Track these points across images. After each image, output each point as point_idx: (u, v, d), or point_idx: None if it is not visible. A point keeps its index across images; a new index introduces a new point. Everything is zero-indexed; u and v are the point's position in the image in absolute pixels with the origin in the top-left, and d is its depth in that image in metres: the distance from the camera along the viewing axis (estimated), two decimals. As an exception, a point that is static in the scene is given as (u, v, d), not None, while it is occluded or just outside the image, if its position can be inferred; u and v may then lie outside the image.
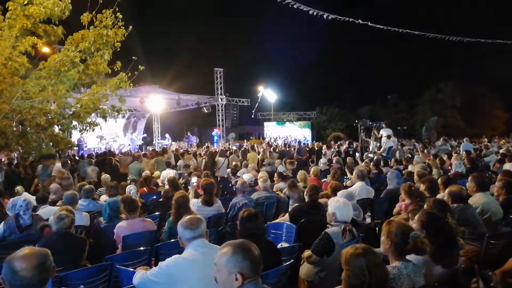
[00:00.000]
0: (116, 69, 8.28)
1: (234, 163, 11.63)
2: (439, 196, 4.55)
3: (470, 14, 39.19)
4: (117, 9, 7.79)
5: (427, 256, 2.56)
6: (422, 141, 17.46)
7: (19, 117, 8.04)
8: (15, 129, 8.30)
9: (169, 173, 9.01)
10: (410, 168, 8.46)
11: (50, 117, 8.37)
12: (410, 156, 11.88)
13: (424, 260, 2.59)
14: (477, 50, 27.54)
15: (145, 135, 26.02)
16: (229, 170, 10.54)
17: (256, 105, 30.13)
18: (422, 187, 4.90)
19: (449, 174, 7.89)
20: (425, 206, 3.52)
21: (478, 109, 35.71)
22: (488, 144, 16.42)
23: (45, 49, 8.62)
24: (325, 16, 12.31)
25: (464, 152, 11.23)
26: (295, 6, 11.69)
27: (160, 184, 8.37)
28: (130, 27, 8.06)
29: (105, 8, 7.77)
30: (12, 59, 7.12)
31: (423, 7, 42.84)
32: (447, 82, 36.00)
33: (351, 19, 13.01)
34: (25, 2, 7.25)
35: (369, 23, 13.37)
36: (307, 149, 16.29)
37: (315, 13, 12.10)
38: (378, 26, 13.56)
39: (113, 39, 7.87)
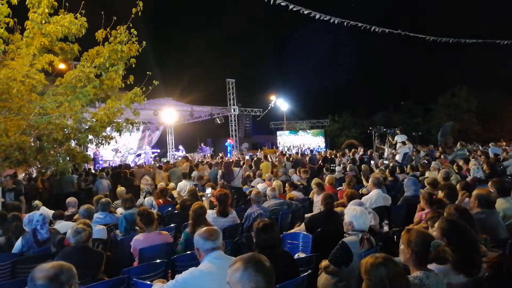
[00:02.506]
0: (129, 83, 8.39)
1: (246, 173, 11.61)
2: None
3: (484, 16, 38.77)
4: (131, 25, 7.93)
5: (449, 265, 2.48)
6: (440, 146, 17.15)
7: (36, 132, 8.20)
8: (32, 144, 8.45)
9: (186, 184, 9.01)
10: (427, 174, 8.31)
11: (66, 132, 8.50)
12: (426, 162, 11.67)
13: (446, 269, 2.51)
14: (492, 52, 27.16)
15: (158, 150, 26.06)
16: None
17: (265, 112, 29.84)
18: (440, 194, 4.80)
19: (467, 179, 7.72)
20: (445, 213, 3.44)
21: (494, 112, 35.04)
22: (507, 148, 16.03)
23: (61, 66, 8.79)
24: (335, 21, 12.25)
25: (483, 156, 10.99)
26: (305, 12, 11.68)
27: (175, 195, 8.38)
28: (144, 42, 8.19)
29: (119, 25, 7.91)
30: (30, 77, 7.25)
31: (436, 9, 42.60)
32: (462, 86, 35.45)
33: (364, 25, 12.93)
34: (43, 21, 7.43)
35: (386, 30, 13.25)
36: (320, 157, 16.15)
37: (326, 18, 12.06)
38: (388, 30, 13.42)
39: (127, 54, 8.00)
